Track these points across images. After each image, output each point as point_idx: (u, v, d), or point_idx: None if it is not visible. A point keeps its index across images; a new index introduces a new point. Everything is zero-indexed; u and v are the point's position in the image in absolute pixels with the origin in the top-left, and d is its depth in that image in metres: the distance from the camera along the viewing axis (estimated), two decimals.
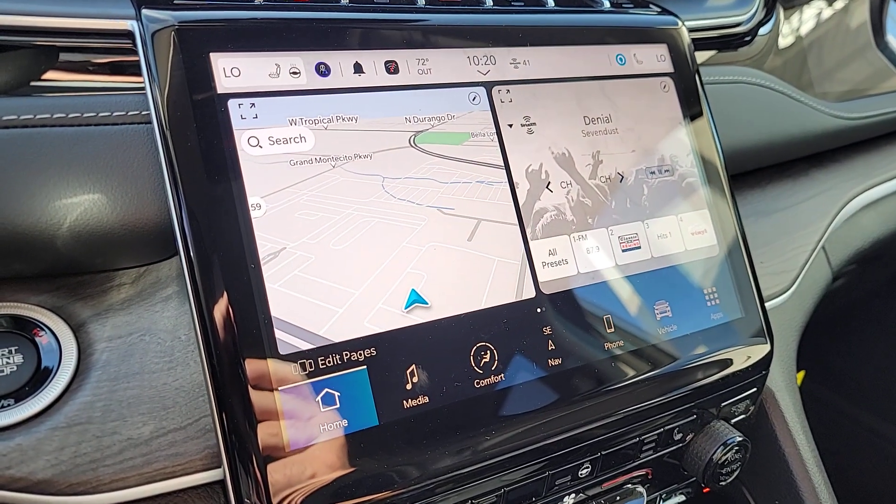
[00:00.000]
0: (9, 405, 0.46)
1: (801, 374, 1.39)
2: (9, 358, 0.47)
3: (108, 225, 0.49)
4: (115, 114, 0.49)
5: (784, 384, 0.76)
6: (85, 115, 0.48)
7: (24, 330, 0.49)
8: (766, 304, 0.78)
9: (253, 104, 0.51)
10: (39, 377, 0.47)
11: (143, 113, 0.50)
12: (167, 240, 0.50)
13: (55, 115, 0.47)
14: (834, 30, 1.03)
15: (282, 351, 0.48)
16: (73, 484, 0.44)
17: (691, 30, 0.78)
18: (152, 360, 0.50)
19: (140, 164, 0.49)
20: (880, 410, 1.73)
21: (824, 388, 1.83)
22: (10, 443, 0.44)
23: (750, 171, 0.92)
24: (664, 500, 0.71)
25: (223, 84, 0.50)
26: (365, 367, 0.50)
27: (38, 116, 0.47)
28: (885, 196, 1.07)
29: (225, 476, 0.45)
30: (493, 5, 0.65)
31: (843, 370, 1.78)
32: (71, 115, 0.48)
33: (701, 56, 0.85)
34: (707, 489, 0.74)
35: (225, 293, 0.46)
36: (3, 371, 0.47)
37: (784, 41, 0.93)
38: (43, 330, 0.49)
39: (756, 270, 0.72)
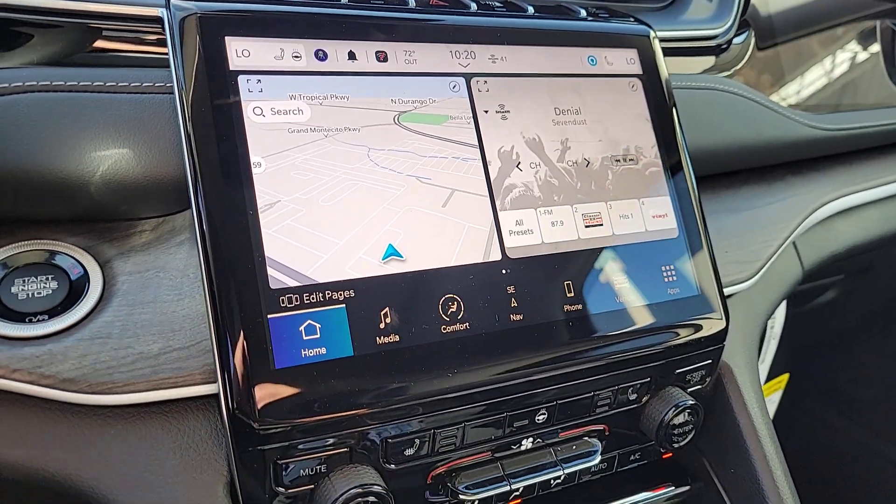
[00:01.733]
0: (43, 320, 0.55)
1: (785, 377, 1.43)
2: (46, 283, 0.57)
3: (133, 176, 0.58)
4: (143, 84, 0.59)
5: (744, 362, 0.81)
6: (119, 84, 0.58)
7: (60, 263, 0.58)
8: (729, 289, 0.84)
9: (259, 80, 0.60)
10: (70, 300, 0.56)
11: (167, 85, 0.60)
12: (183, 193, 0.59)
13: (94, 83, 0.57)
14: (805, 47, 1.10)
15: (272, 286, 0.56)
16: (92, 384, 0.53)
17: (666, 39, 0.87)
18: (164, 292, 0.58)
19: (162, 126, 0.59)
20: (883, 431, 1.74)
21: (833, 411, 1.85)
22: (42, 348, 0.53)
23: (725, 173, 0.99)
24: (622, 465, 0.77)
25: (235, 62, 0.59)
26: (344, 305, 0.58)
27: (80, 83, 0.56)
28: (864, 204, 1.12)
29: (219, 389, 0.53)
30: (477, 9, 0.74)
31: (851, 392, 1.79)
32: (108, 84, 0.58)
33: (675, 65, 0.93)
34: (667, 455, 0.80)
35: (227, 234, 0.55)
36: (40, 293, 0.56)
37: (758, 54, 1.01)
38: (76, 264, 0.58)
39: (718, 257, 0.78)
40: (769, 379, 1.37)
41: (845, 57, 1.14)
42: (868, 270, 1.41)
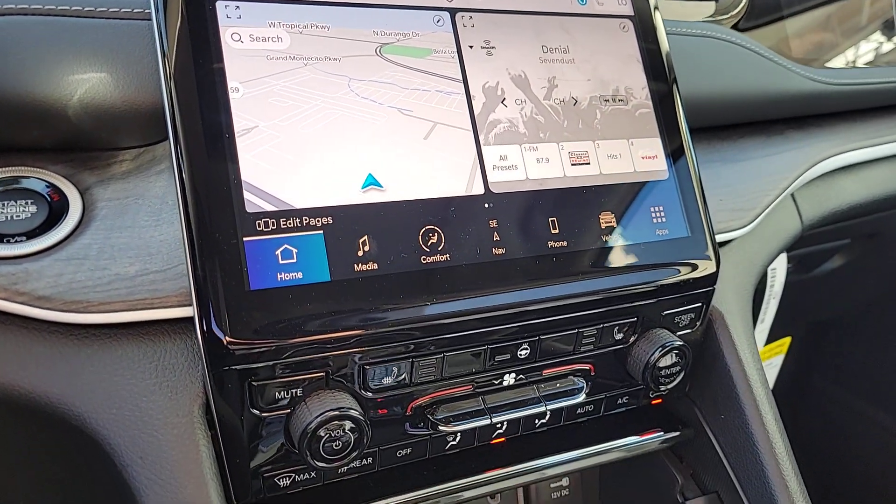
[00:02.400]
0: (21, 241, 0.55)
1: (786, 340, 1.41)
2: (25, 207, 0.57)
3: (111, 101, 0.58)
4: (122, 10, 0.59)
5: (737, 309, 0.80)
6: (98, 9, 0.58)
7: (40, 189, 0.58)
8: (723, 236, 0.83)
9: (238, 7, 0.60)
10: (48, 224, 0.57)
11: (146, 11, 0.60)
12: (162, 123, 0.59)
13: (72, 8, 0.57)
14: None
15: (248, 209, 0.56)
16: (67, 302, 0.53)
17: None
18: (143, 218, 0.58)
19: (141, 52, 0.59)
20: (890, 407, 1.72)
21: (840, 388, 1.83)
22: (18, 266, 0.53)
23: (723, 126, 0.98)
24: (610, 409, 0.76)
25: None
26: (321, 232, 0.58)
27: (58, 7, 0.56)
28: (868, 162, 1.10)
29: (194, 309, 0.53)
30: None
31: (860, 370, 1.77)
32: (86, 9, 0.58)
33: (673, 13, 0.91)
34: (656, 401, 0.79)
35: (204, 156, 0.55)
36: (19, 216, 0.56)
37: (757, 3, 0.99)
38: (56, 190, 0.58)
39: (712, 205, 0.78)
40: (770, 341, 1.35)
41: (853, 7, 1.11)
42: (875, 236, 1.39)
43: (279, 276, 0.56)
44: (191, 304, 0.54)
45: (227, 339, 0.52)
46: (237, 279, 0.54)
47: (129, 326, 0.56)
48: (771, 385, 1.45)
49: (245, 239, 0.55)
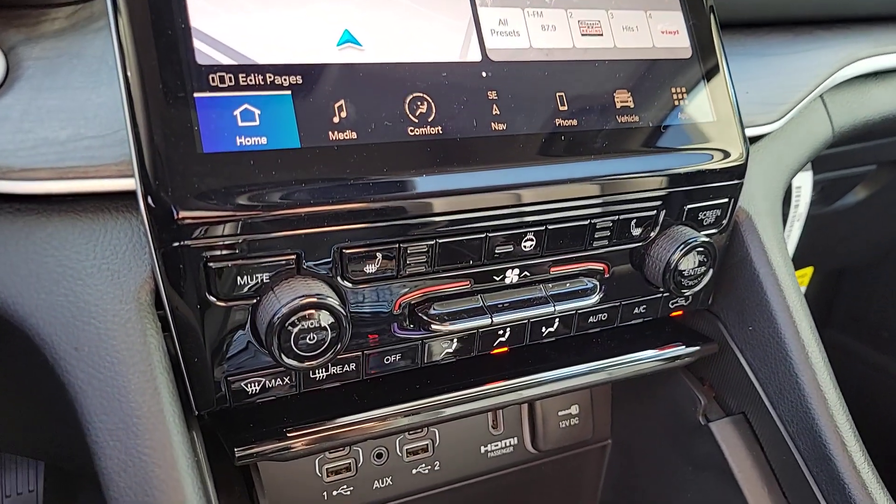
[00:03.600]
0: None
1: (808, 270, 1.33)
2: None
3: None
4: None
5: (766, 210, 0.72)
6: None
7: None
8: (751, 130, 0.74)
9: None
10: None
11: None
12: None
13: None
14: None
15: (199, 61, 0.47)
16: None
17: None
18: (78, 78, 0.49)
19: None
20: None
21: (856, 341, 1.76)
22: None
23: (746, 24, 0.88)
24: (626, 319, 0.68)
25: None
26: (289, 92, 0.49)
27: None
28: None
29: (136, 176, 0.45)
30: None
31: (878, 321, 1.70)
32: None
33: None
34: (676, 313, 0.71)
35: None
36: None
37: None
38: None
39: (738, 96, 0.68)
40: None
41: None
42: None
43: (239, 140, 0.47)
44: (133, 176, 0.46)
45: (176, 210, 0.44)
46: (187, 140, 0.45)
47: (63, 201, 0.47)
48: None
49: (196, 95, 0.46)
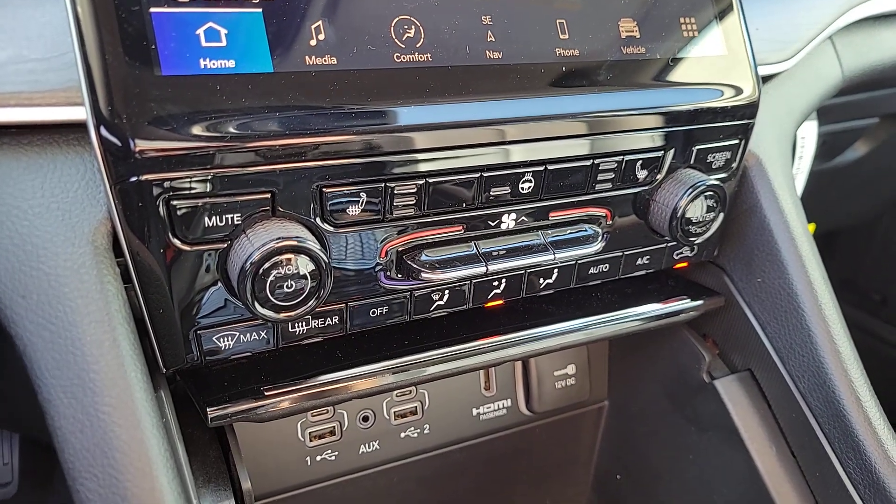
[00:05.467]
0: None
1: (812, 226, 1.30)
2: None
3: None
4: None
5: (777, 154, 0.67)
6: None
7: None
8: (762, 69, 0.69)
9: None
10: None
11: None
12: None
13: None
14: None
15: None
16: None
17: None
18: None
19: None
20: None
21: (846, 304, 1.74)
22: None
23: None
24: (628, 271, 0.64)
25: None
26: (260, 10, 0.44)
27: None
28: None
29: (86, 102, 0.39)
30: None
31: (868, 284, 1.69)
32: None
33: None
34: (681, 265, 0.67)
35: None
36: None
37: None
38: None
39: (749, 28, 0.63)
40: None
41: None
42: None
43: (203, 63, 0.42)
44: (83, 104, 0.40)
45: (132, 139, 0.39)
46: (143, 61, 0.40)
47: (3, 133, 0.42)
48: None
49: (152, 10, 0.41)
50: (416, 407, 0.77)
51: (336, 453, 0.73)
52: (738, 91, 0.60)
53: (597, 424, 0.88)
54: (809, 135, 0.99)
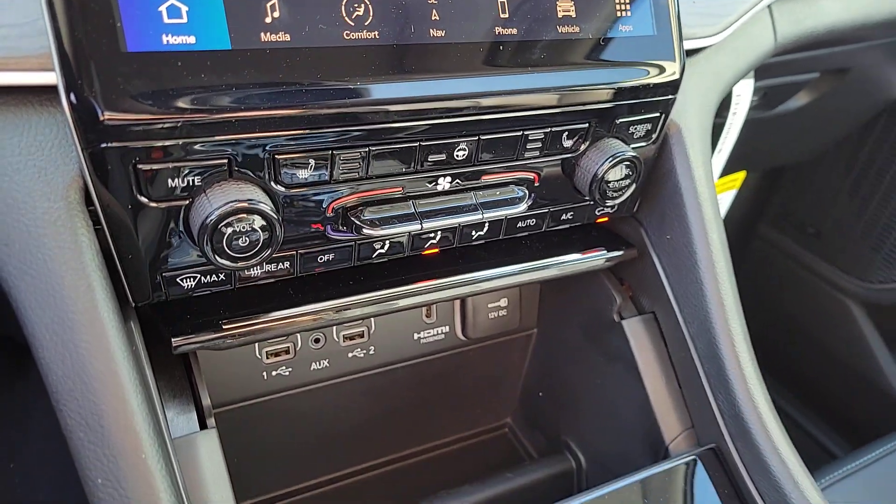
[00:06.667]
0: None
1: (741, 174, 1.39)
2: None
3: None
4: None
5: (696, 125, 0.74)
6: None
7: None
8: (692, 42, 0.75)
9: None
10: None
11: None
12: None
13: None
14: None
15: None
16: None
17: None
18: None
19: None
20: (828, 255, 1.77)
21: (784, 237, 1.86)
22: None
23: None
24: (553, 224, 0.71)
25: None
26: None
27: None
28: None
29: (58, 75, 0.44)
30: None
31: (806, 219, 1.79)
32: None
33: None
34: (602, 219, 0.75)
35: None
36: None
37: None
38: None
39: (683, 7, 0.68)
40: (724, 174, 1.33)
41: None
42: (845, 72, 1.32)
43: (165, 39, 0.46)
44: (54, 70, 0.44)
45: (101, 111, 0.43)
46: (110, 38, 0.44)
47: None
48: None
49: None
50: (363, 331, 0.86)
51: (290, 369, 0.83)
52: (662, 70, 0.65)
53: (525, 350, 0.99)
54: (745, 91, 1.05)
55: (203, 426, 0.60)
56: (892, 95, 1.51)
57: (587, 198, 0.69)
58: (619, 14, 0.63)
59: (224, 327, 0.59)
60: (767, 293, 1.96)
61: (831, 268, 1.77)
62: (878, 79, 1.45)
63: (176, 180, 0.49)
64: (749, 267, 1.97)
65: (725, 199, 1.38)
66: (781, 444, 0.67)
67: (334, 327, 0.83)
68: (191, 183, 0.49)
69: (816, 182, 1.75)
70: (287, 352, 0.81)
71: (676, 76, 0.67)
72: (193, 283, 0.55)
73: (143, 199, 0.49)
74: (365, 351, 0.87)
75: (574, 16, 0.61)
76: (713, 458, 0.70)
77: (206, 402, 0.61)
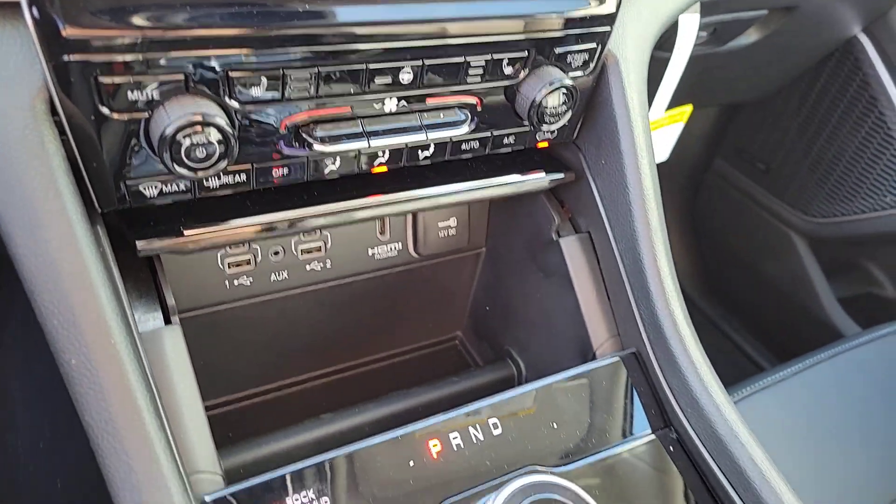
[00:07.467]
0: None
1: (688, 108, 1.45)
2: None
3: None
4: None
5: (634, 57, 0.79)
6: None
7: None
8: None
9: None
10: None
11: None
12: None
13: None
14: None
15: None
16: None
17: None
18: None
19: None
20: (776, 190, 1.85)
21: (738, 172, 1.94)
22: None
23: None
24: (496, 148, 0.76)
25: None
26: None
27: None
28: None
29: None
30: None
31: (758, 155, 1.85)
32: None
33: None
34: (542, 144, 0.80)
35: None
36: None
37: None
38: None
39: None
40: (671, 106, 1.38)
41: None
42: (792, 10, 1.37)
43: None
44: None
45: (61, 22, 0.47)
46: None
47: None
48: (667, 154, 1.51)
49: None
50: (320, 245, 0.91)
51: (251, 279, 0.88)
52: (600, 2, 0.70)
53: (474, 267, 1.06)
54: (690, 26, 1.09)
55: (168, 324, 0.66)
56: (842, 34, 1.57)
57: (526, 123, 0.74)
58: None
59: (185, 233, 0.64)
60: (719, 224, 2.05)
61: (778, 202, 1.86)
62: (829, 17, 1.49)
63: (136, 93, 0.52)
64: (704, 199, 2.06)
65: (673, 132, 1.44)
66: (692, 348, 0.76)
67: (292, 240, 0.88)
68: (150, 97, 0.53)
69: (770, 119, 1.81)
70: (248, 262, 0.86)
71: (612, 9, 0.71)
72: (156, 192, 0.60)
73: (105, 111, 0.52)
74: (322, 264, 0.92)
75: None
76: (633, 360, 0.79)
77: (170, 302, 0.67)
